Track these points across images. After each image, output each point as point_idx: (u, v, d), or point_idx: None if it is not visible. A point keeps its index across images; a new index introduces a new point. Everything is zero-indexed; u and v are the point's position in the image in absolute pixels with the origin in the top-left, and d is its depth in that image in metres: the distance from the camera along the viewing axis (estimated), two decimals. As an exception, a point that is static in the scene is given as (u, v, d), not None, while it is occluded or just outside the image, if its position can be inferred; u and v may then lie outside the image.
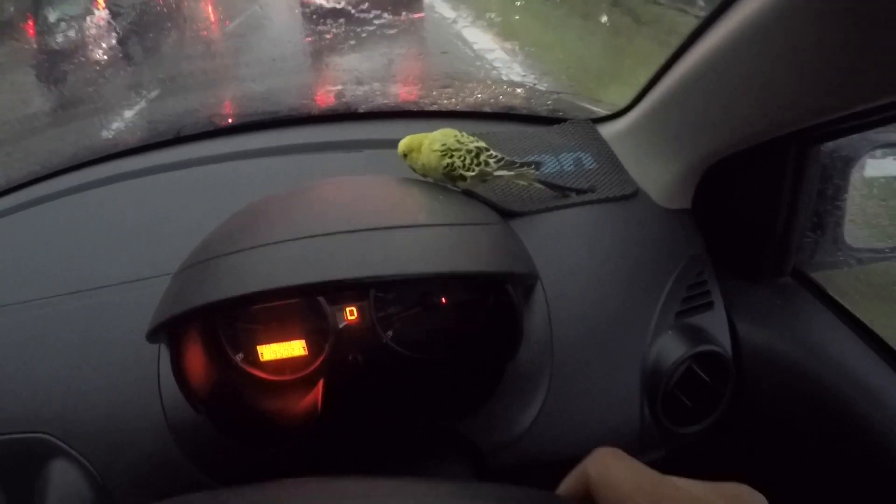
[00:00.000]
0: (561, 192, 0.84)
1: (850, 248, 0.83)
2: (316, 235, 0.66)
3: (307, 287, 0.65)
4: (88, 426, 0.74)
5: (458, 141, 0.80)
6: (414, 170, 0.84)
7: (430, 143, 0.81)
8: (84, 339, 0.78)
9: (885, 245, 0.88)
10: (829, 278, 0.82)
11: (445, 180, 0.82)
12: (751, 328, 0.80)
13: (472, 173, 0.79)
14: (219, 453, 0.74)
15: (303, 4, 4.03)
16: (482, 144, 0.81)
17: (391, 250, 0.65)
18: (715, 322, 0.81)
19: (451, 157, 0.79)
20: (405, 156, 0.83)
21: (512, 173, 0.80)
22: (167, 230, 0.89)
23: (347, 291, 0.82)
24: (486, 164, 0.79)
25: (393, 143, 0.88)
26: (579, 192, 0.85)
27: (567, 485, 0.34)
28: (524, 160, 0.85)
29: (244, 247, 0.68)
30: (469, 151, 0.79)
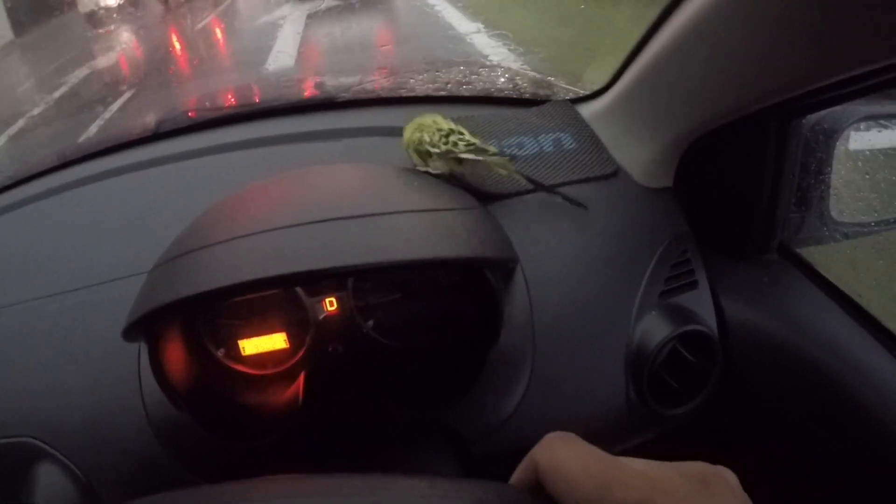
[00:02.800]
0: (542, 188, 0.82)
1: (836, 222, 0.82)
2: (289, 226, 0.66)
3: (279, 279, 0.64)
4: (72, 428, 0.74)
5: (434, 121, 0.82)
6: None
7: (414, 122, 0.83)
8: (65, 341, 0.78)
9: (870, 219, 0.86)
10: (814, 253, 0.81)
11: (418, 159, 0.83)
12: (737, 306, 0.79)
13: (438, 150, 0.79)
14: (201, 449, 0.73)
15: None
16: (456, 128, 0.81)
17: (365, 239, 0.65)
18: (700, 301, 0.80)
19: (421, 131, 0.81)
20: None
21: (481, 158, 0.79)
22: (146, 228, 0.88)
23: (325, 282, 0.81)
24: (455, 144, 0.79)
25: (372, 131, 0.87)
26: (561, 191, 0.82)
27: (518, 474, 0.34)
28: (501, 148, 0.85)
29: (217, 240, 0.67)
30: (440, 130, 0.80)
